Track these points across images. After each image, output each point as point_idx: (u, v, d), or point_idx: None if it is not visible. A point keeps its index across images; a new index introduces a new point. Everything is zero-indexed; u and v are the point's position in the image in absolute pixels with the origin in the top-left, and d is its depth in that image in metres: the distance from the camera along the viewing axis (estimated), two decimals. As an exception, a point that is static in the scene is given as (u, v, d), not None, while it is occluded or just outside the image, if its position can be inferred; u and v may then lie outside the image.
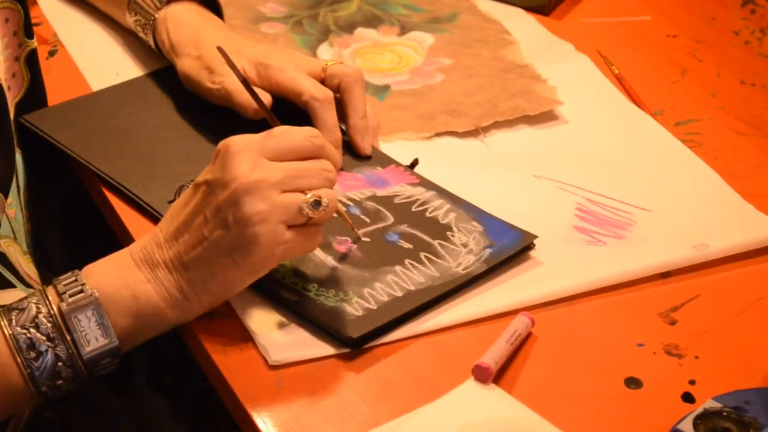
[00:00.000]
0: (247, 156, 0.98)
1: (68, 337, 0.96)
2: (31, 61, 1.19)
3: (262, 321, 1.04)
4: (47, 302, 0.97)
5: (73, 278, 0.98)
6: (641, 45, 1.40)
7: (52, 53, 1.34)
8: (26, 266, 1.14)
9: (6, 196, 1.12)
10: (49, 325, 0.96)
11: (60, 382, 0.97)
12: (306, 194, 0.99)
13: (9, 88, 1.17)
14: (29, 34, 1.18)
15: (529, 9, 1.45)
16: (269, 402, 0.98)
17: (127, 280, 0.99)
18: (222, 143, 0.99)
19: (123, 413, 1.26)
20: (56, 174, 1.23)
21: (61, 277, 0.99)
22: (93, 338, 0.97)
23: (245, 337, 1.03)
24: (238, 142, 0.98)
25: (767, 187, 1.20)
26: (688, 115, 1.29)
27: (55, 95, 1.24)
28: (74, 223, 1.30)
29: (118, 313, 0.98)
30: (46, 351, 0.96)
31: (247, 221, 0.97)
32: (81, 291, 0.97)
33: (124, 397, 1.26)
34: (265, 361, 1.01)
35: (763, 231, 1.14)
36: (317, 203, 0.99)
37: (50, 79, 1.25)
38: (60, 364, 0.96)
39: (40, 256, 1.19)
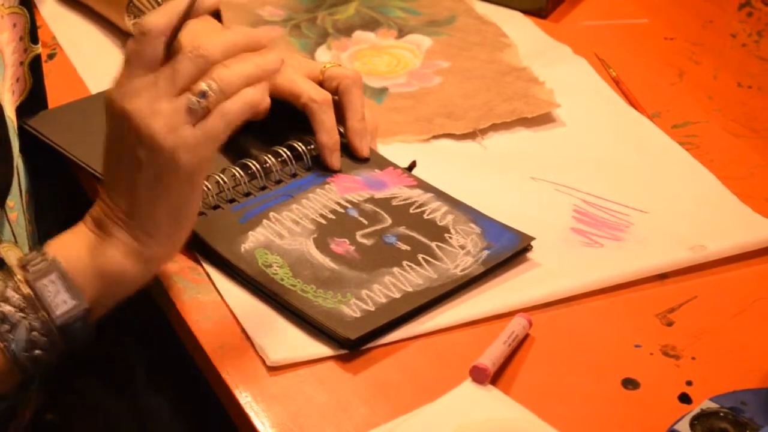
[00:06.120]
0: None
1: (38, 304, 0.97)
2: (35, 66, 1.19)
3: (260, 322, 1.04)
4: (14, 276, 0.98)
5: (35, 252, 0.99)
6: (638, 48, 1.40)
7: (51, 56, 1.34)
8: (26, 269, 1.14)
9: (5, 199, 1.12)
10: (17, 296, 0.97)
11: (38, 352, 0.97)
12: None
13: (13, 92, 1.17)
14: (34, 40, 1.18)
15: (527, 12, 1.45)
16: (267, 403, 0.99)
17: (85, 243, 0.99)
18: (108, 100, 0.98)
19: (123, 415, 1.26)
20: (56, 176, 1.23)
21: (26, 256, 1.00)
22: (61, 301, 0.97)
23: (243, 338, 1.03)
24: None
25: (764, 188, 1.20)
26: (686, 118, 1.30)
27: (54, 98, 1.24)
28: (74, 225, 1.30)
29: (82, 276, 0.98)
30: (19, 322, 0.96)
31: (154, 146, 0.96)
32: (43, 260, 0.98)
33: (124, 398, 1.26)
34: (263, 362, 1.01)
35: (760, 232, 1.14)
36: (203, 94, 0.96)
37: (49, 82, 1.25)
38: (34, 333, 0.97)
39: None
